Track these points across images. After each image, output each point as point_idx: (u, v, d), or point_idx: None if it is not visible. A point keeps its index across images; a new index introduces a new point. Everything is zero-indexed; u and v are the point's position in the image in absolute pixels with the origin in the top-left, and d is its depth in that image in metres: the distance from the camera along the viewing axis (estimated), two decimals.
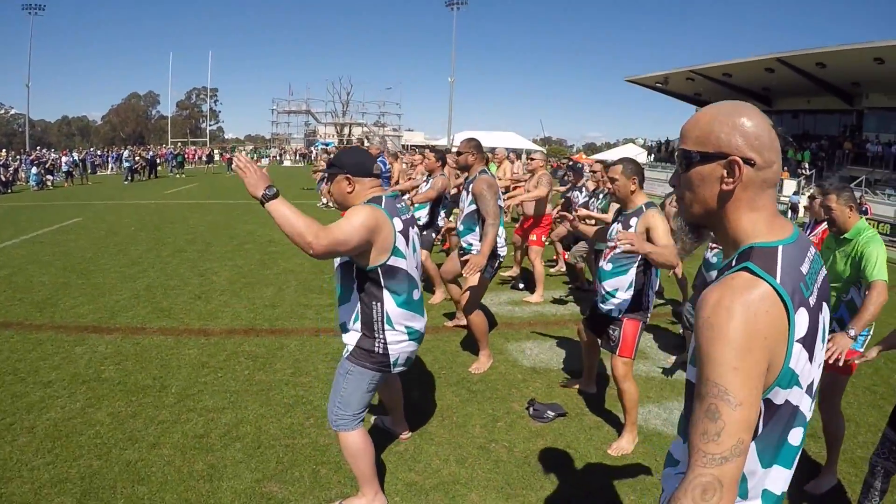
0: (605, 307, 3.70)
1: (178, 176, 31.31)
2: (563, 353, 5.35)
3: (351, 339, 2.70)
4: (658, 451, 3.59)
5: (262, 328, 5.64)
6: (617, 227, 3.66)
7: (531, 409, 4.02)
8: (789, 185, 25.44)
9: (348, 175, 2.63)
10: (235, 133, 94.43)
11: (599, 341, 4.00)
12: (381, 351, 2.65)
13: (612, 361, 3.65)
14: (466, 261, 4.45)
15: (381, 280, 2.62)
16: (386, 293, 2.63)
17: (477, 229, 4.68)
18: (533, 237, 7.40)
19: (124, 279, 7.31)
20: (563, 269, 8.57)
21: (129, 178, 27.60)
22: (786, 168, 27.67)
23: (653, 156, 41.66)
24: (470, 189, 4.59)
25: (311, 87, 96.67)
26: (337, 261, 2.71)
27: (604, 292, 3.68)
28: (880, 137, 28.26)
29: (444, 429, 3.81)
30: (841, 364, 2.76)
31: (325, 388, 4.13)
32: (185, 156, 37.29)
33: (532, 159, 7.67)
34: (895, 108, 28.16)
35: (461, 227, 4.83)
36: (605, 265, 3.67)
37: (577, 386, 4.51)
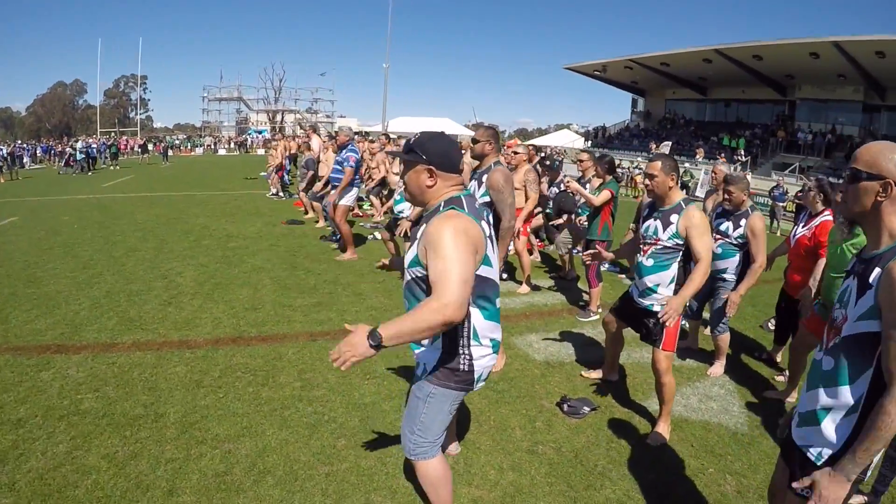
0: (645, 301, 3.68)
1: (112, 168, 29.46)
2: (570, 344, 5.33)
3: (429, 357, 2.37)
4: (690, 436, 3.73)
5: (250, 335, 5.12)
6: (655, 225, 3.63)
7: (565, 405, 3.98)
8: (726, 170, 26.13)
9: (432, 167, 2.27)
10: (164, 122, 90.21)
11: (630, 333, 4.11)
12: (466, 368, 2.35)
13: (654, 355, 3.62)
14: None
15: (481, 293, 2.32)
16: (474, 307, 2.32)
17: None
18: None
19: (79, 286, 6.53)
20: (539, 258, 8.86)
21: (88, 167, 26.21)
22: (723, 154, 28.62)
23: (590, 142, 42.27)
24: (483, 181, 4.28)
25: (242, 73, 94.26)
26: (408, 275, 2.32)
27: (644, 287, 3.66)
28: (811, 126, 29.60)
29: (485, 435, 3.62)
30: None
31: (344, 402, 3.96)
32: (119, 146, 35.11)
33: (581, 161, 7.50)
34: (826, 99, 29.59)
35: None
36: (646, 261, 3.64)
37: (598, 376, 4.53)
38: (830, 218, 4.42)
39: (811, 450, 1.86)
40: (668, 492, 3.13)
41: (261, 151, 50.83)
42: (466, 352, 2.34)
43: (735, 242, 4.64)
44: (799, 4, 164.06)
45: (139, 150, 40.22)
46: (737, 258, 4.66)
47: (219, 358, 4.59)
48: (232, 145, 52.57)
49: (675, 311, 3.40)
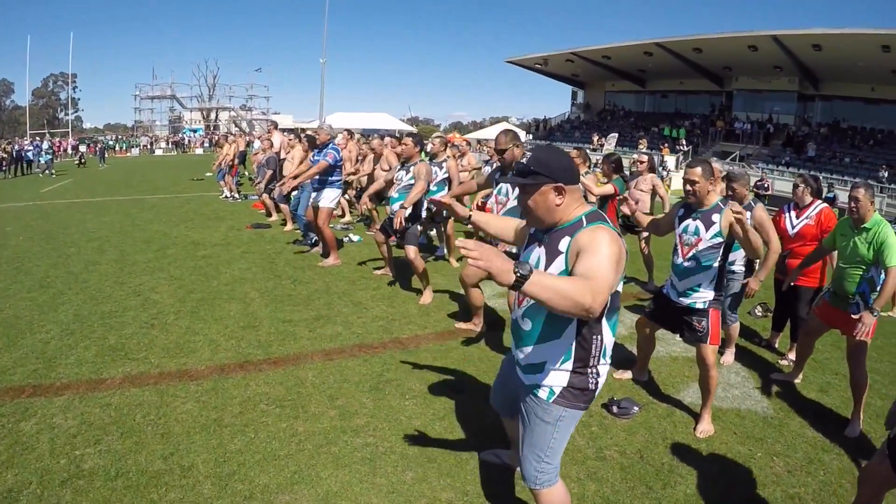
0: (686, 301, 3.77)
1: (47, 172, 27.25)
2: None
3: (557, 380, 2.26)
4: (729, 424, 3.90)
5: (258, 359, 4.60)
6: (695, 224, 3.74)
7: (614, 407, 3.97)
8: (670, 161, 26.80)
9: (560, 184, 2.15)
10: (94, 122, 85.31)
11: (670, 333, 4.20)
12: (593, 387, 2.29)
13: (701, 351, 3.72)
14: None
15: (610, 310, 2.25)
16: (605, 324, 2.26)
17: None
18: None
19: (41, 309, 5.75)
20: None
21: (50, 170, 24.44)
22: (665, 144, 29.33)
23: (531, 134, 42.58)
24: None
25: (175, 70, 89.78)
26: None
27: (686, 287, 3.76)
28: (749, 116, 30.69)
29: None
30: (870, 336, 3.68)
31: (393, 427, 3.66)
32: (55, 149, 32.73)
33: (641, 162, 7.40)
34: (761, 90, 30.73)
35: None
36: (687, 262, 3.74)
37: (629, 376, 4.56)
38: (826, 205, 4.93)
39: None
40: (734, 479, 3.27)
41: (199, 151, 48.90)
42: (595, 370, 2.27)
43: None
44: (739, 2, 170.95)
45: (72, 152, 37.88)
46: (742, 250, 4.64)
47: (231, 389, 4.07)
48: (168, 145, 50.29)
49: (757, 289, 4.06)
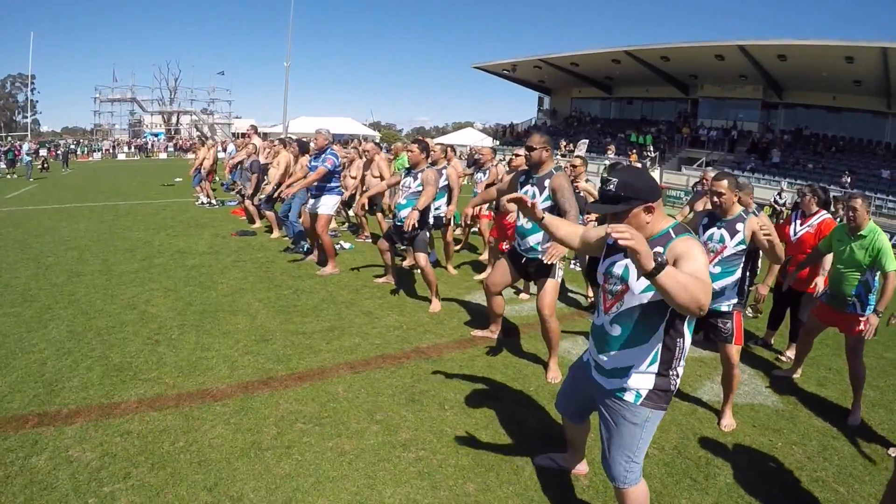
0: (712, 305, 3.74)
1: (9, 176, 26.02)
2: None
3: (643, 382, 2.38)
4: (747, 418, 4.16)
5: (280, 375, 4.37)
6: (720, 233, 3.93)
7: None
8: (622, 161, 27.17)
9: (650, 204, 2.29)
10: (51, 125, 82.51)
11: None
12: (674, 388, 2.43)
13: (726, 350, 3.92)
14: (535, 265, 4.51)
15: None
16: (686, 328, 2.37)
17: None
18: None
19: (28, 325, 5.32)
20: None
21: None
22: (634, 150, 29.79)
23: (498, 140, 42.81)
24: (546, 185, 4.40)
25: (136, 73, 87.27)
26: (636, 300, 2.32)
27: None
28: (713, 123, 31.42)
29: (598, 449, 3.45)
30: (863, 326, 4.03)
31: (440, 440, 3.60)
32: (16, 153, 31.28)
33: (575, 166, 7.31)
34: (725, 97, 31.52)
35: (528, 225, 4.49)
36: (713, 268, 3.83)
37: None
38: (829, 216, 5.26)
39: None
40: (764, 467, 3.54)
41: (163, 156, 47.62)
42: (675, 372, 2.40)
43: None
44: (705, 9, 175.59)
45: (33, 156, 36.37)
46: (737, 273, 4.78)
47: (260, 408, 3.84)
48: (131, 149, 48.84)
49: (765, 295, 4.25)
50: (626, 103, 38.86)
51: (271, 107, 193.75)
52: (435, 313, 6.03)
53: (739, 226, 3.88)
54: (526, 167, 6.70)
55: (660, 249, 2.10)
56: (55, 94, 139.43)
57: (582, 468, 3.31)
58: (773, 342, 5.81)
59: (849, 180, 22.50)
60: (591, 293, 6.88)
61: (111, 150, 47.61)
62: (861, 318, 4.14)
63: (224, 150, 17.15)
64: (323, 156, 7.13)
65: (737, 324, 3.92)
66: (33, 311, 5.74)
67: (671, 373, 2.38)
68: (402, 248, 6.85)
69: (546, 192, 4.37)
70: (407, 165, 9.50)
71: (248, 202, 10.93)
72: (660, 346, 2.34)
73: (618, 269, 2.39)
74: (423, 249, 6.03)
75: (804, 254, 5.14)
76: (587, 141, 31.12)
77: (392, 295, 6.62)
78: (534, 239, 4.49)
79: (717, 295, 3.88)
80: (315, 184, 7.17)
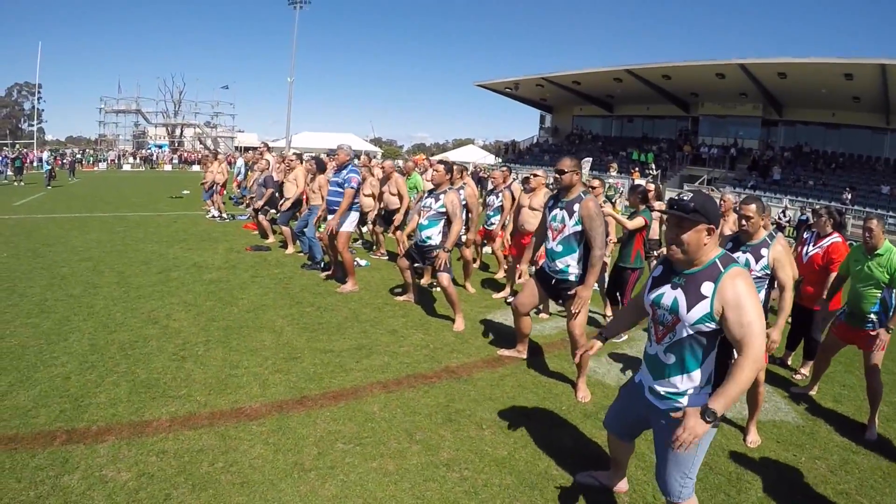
0: None
1: (16, 184, 25.90)
2: (621, 365, 5.54)
3: (697, 402, 2.43)
4: (770, 434, 4.25)
5: (313, 394, 4.32)
6: (746, 257, 3.96)
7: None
8: (641, 183, 27.29)
9: (713, 227, 2.42)
10: (56, 134, 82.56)
11: None
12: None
13: None
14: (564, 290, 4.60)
15: None
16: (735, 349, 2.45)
17: (577, 252, 4.47)
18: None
19: (48, 337, 5.21)
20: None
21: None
22: (636, 168, 29.88)
23: (500, 158, 43.00)
24: (575, 210, 4.44)
25: (141, 85, 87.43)
26: (687, 331, 2.43)
27: None
28: (714, 141, 31.63)
29: (641, 470, 3.57)
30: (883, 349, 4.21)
31: (481, 459, 3.61)
32: (24, 160, 31.27)
33: (593, 187, 7.17)
34: (726, 115, 31.76)
35: (558, 248, 4.52)
36: None
37: None
38: (840, 239, 5.38)
39: None
40: (791, 481, 3.65)
41: (167, 167, 47.68)
42: None
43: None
44: (706, 29, 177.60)
45: (40, 163, 36.40)
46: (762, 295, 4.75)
47: (298, 428, 3.79)
48: (137, 160, 48.90)
49: (778, 339, 3.99)
50: (627, 121, 39.16)
51: (274, 121, 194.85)
52: (460, 332, 6.00)
53: (764, 251, 3.91)
54: (536, 189, 6.87)
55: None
56: (60, 104, 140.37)
57: (623, 486, 3.33)
58: (790, 361, 5.91)
59: (849, 197, 22.62)
60: (608, 311, 6.87)
61: (116, 161, 47.67)
62: (874, 334, 4.29)
63: (230, 164, 17.14)
64: (345, 174, 7.12)
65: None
66: (51, 323, 5.66)
67: None
68: (419, 266, 6.85)
69: (576, 217, 4.42)
70: (417, 184, 9.59)
71: (261, 217, 10.91)
72: (712, 369, 2.47)
73: (667, 301, 2.49)
74: (445, 269, 6.01)
75: (813, 273, 5.38)
76: (591, 159, 31.22)
77: (416, 313, 6.59)
78: (563, 262, 4.55)
79: None
80: (335, 201, 7.17)
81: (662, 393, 2.55)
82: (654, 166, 31.15)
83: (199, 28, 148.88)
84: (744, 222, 3.95)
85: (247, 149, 46.02)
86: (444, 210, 6.01)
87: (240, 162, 17.22)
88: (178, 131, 62.22)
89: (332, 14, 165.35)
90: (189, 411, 4.00)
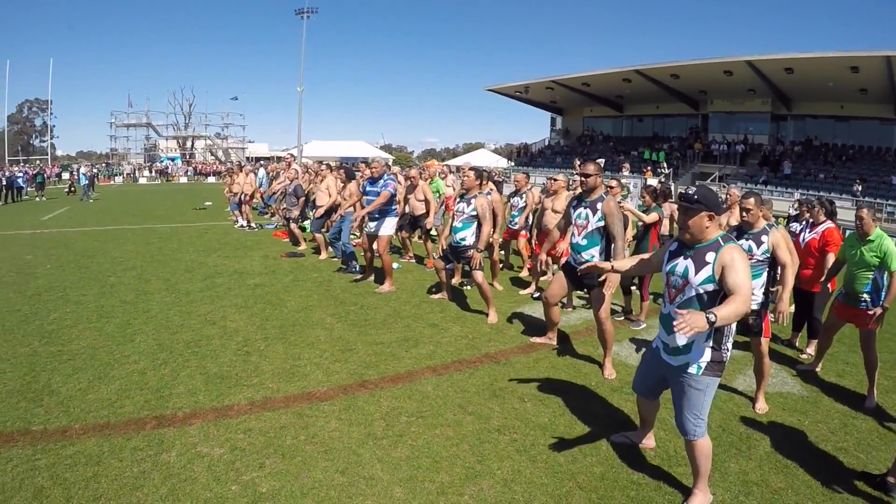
0: None
1: (38, 199, 26.66)
2: (643, 347, 5.90)
3: (702, 357, 3.08)
4: (778, 403, 4.73)
5: (373, 378, 4.87)
6: (748, 244, 4.57)
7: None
8: (653, 183, 27.62)
9: (713, 213, 3.03)
10: (66, 149, 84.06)
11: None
12: (726, 360, 3.12)
13: (757, 343, 4.59)
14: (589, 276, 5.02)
15: None
16: None
17: (600, 245, 5.01)
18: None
19: (113, 339, 5.69)
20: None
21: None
22: (648, 168, 30.24)
23: (513, 162, 43.38)
24: (598, 208, 4.98)
25: (151, 98, 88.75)
26: (697, 290, 3.04)
27: None
28: (724, 137, 31.87)
29: (664, 431, 4.08)
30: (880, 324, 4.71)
31: (531, 427, 4.08)
32: (45, 176, 32.14)
33: (611, 187, 7.70)
34: (735, 111, 32.00)
35: (583, 242, 5.05)
36: None
37: None
38: (832, 225, 5.97)
39: None
40: (796, 440, 4.13)
41: (183, 180, 48.52)
42: (726, 347, 3.09)
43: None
44: (712, 27, 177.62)
45: (58, 179, 37.25)
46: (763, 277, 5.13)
47: (365, 406, 4.31)
48: (152, 173, 49.81)
49: (785, 309, 4.55)
50: (638, 121, 39.44)
51: (283, 130, 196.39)
52: (493, 324, 6.52)
53: (764, 238, 4.55)
54: (558, 192, 7.41)
55: (712, 316, 2.72)
56: (70, 119, 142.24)
57: (650, 442, 3.89)
58: (797, 342, 6.40)
59: (860, 188, 22.84)
60: (622, 302, 7.34)
61: (132, 175, 48.58)
62: (871, 313, 4.79)
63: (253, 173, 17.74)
64: (382, 181, 7.66)
65: (764, 320, 4.56)
66: (114, 327, 6.15)
67: (723, 348, 3.08)
68: (451, 266, 7.36)
69: (598, 214, 4.97)
70: (439, 189, 10.13)
71: (293, 225, 11.46)
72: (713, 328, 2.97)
73: (679, 269, 3.13)
74: (479, 268, 6.51)
75: (812, 257, 6.00)
76: (603, 160, 31.59)
77: (452, 309, 7.10)
78: (588, 254, 5.06)
79: None
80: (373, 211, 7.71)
81: (673, 347, 3.16)
82: (665, 165, 31.46)
83: (208, 41, 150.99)
84: (744, 214, 4.59)
85: (266, 159, 46.82)
86: (475, 213, 6.51)
87: (261, 172, 17.83)
88: (189, 143, 62.90)
89: (339, 22, 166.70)
90: (264, 396, 4.51)
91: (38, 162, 44.70)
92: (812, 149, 29.20)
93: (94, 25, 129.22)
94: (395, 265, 9.61)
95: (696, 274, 3.04)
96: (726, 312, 2.77)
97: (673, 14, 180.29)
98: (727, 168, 30.02)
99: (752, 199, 4.56)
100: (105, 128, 65.12)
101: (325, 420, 4.10)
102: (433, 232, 10.31)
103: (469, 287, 8.10)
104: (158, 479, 3.33)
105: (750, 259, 4.29)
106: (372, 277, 8.46)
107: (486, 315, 6.68)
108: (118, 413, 4.16)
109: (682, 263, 3.12)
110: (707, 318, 2.69)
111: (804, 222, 6.51)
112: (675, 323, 2.73)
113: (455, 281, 8.37)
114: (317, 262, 10.09)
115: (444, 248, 7.09)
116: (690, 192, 3.05)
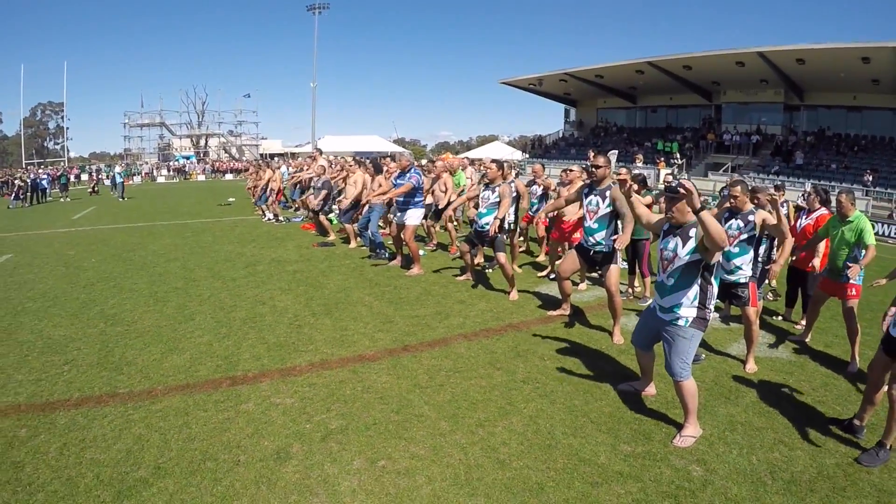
0: (732, 278, 5.24)
1: (62, 199, 27.67)
2: None
3: (689, 313, 3.82)
4: (767, 366, 5.33)
5: (414, 343, 5.66)
6: (737, 223, 5.22)
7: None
8: (663, 173, 28.07)
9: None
10: (78, 151, 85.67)
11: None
12: (708, 318, 3.87)
13: (746, 312, 5.24)
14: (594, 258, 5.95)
15: (714, 270, 3.80)
16: (714, 279, 3.83)
17: (609, 228, 5.75)
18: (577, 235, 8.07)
19: (174, 319, 6.41)
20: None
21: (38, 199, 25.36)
22: (661, 159, 30.73)
23: (527, 154, 43.88)
24: (607, 195, 5.68)
25: (164, 98, 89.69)
26: (681, 262, 3.79)
27: (732, 267, 5.21)
28: (737, 128, 32.19)
29: (663, 384, 4.70)
30: (854, 293, 5.39)
31: (551, 378, 4.88)
32: (69, 177, 33.17)
33: (571, 170, 8.62)
34: (748, 102, 32.27)
35: (595, 226, 5.78)
36: (733, 248, 5.18)
37: None
38: (826, 212, 6.64)
39: None
40: (780, 393, 4.78)
41: (201, 178, 49.61)
42: (708, 307, 3.83)
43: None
44: (723, 18, 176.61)
45: (82, 180, 38.26)
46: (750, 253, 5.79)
47: (409, 365, 5.08)
48: (170, 172, 50.96)
49: (777, 270, 5.72)
50: (651, 112, 39.75)
51: (296, 126, 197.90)
52: (515, 301, 7.27)
53: (751, 217, 5.18)
54: (572, 181, 8.13)
55: (695, 257, 3.69)
56: (81, 120, 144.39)
57: (651, 390, 4.60)
58: (790, 317, 7.05)
59: (871, 178, 23.17)
60: (628, 282, 8.06)
61: (150, 174, 49.69)
62: (851, 286, 5.43)
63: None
64: (408, 174, 8.42)
65: (752, 291, 5.22)
66: (172, 309, 6.85)
67: (706, 308, 3.81)
68: (475, 250, 8.10)
69: (608, 200, 5.74)
70: (464, 181, 10.88)
71: (321, 217, 12.21)
72: (698, 289, 3.80)
73: (670, 245, 3.87)
74: (501, 249, 7.26)
75: (806, 240, 6.60)
76: (616, 152, 32.03)
77: (476, 289, 7.85)
78: (599, 236, 5.82)
79: (736, 269, 5.21)
80: (403, 199, 8.46)
81: (665, 307, 3.89)
82: (678, 155, 31.88)
83: (220, 39, 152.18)
84: (732, 199, 5.26)
85: (280, 155, 47.68)
86: (498, 200, 7.23)
87: (284, 168, 18.65)
88: (202, 142, 63.67)
89: (351, 17, 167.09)
90: (321, 359, 5.28)
91: (62, 164, 45.87)
92: (824, 139, 29.44)
93: (105, 26, 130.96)
94: (420, 252, 10.37)
95: (683, 247, 3.78)
96: (710, 218, 3.43)
97: (684, 5, 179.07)
98: (740, 158, 30.37)
99: (738, 187, 5.23)
100: (117, 128, 66.89)
101: (376, 375, 4.86)
102: (454, 222, 11.07)
103: (491, 270, 8.84)
104: (242, 423, 4.04)
105: (738, 236, 5.19)
106: (397, 261, 9.26)
107: (508, 293, 7.42)
108: (194, 376, 4.87)
109: (673, 241, 3.86)
110: (701, 206, 3.43)
111: (803, 210, 7.25)
112: (675, 184, 3.68)
113: (477, 261, 9.10)
114: (347, 250, 10.86)
115: (469, 232, 7.81)
116: (674, 184, 3.77)
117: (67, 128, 66.70)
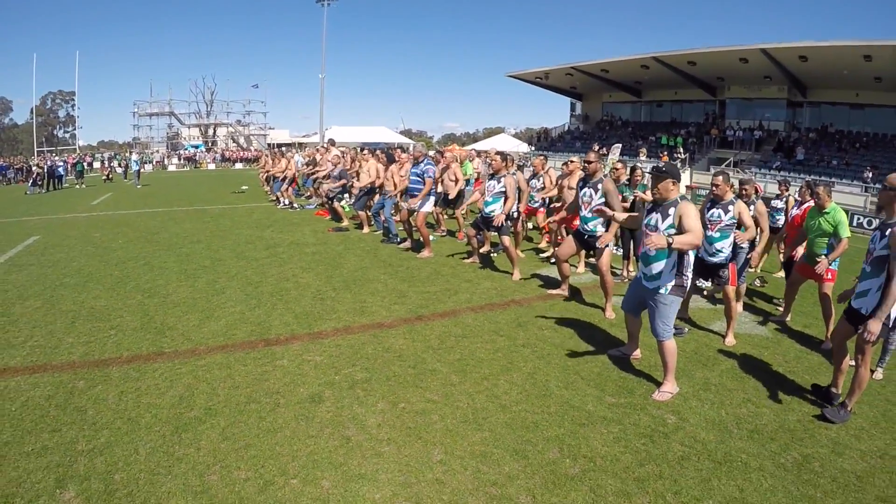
0: (714, 259, 5.79)
1: (77, 186, 28.33)
2: None
3: (668, 281, 4.36)
4: (746, 342, 5.86)
5: (426, 314, 6.31)
6: (718, 212, 5.75)
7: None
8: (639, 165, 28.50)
9: (675, 180, 4.40)
10: (87, 139, 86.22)
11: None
12: (686, 285, 4.41)
13: (725, 290, 5.78)
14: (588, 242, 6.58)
15: None
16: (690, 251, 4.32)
17: (600, 217, 6.23)
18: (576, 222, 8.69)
19: (205, 293, 7.02)
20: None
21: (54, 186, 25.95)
22: (665, 153, 31.24)
23: (534, 146, 44.37)
24: (599, 188, 6.28)
25: (172, 87, 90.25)
26: (664, 234, 4.24)
27: (715, 250, 5.75)
28: (741, 123, 32.62)
29: (648, 350, 5.27)
30: (829, 277, 5.88)
31: (550, 346, 5.40)
32: (85, 164, 33.84)
33: (572, 161, 9.15)
34: (752, 98, 32.68)
35: (589, 215, 6.39)
36: (715, 234, 5.72)
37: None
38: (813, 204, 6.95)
39: (862, 309, 4.05)
40: (756, 363, 5.30)
41: (212, 166, 50.26)
42: (686, 275, 4.36)
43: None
44: (729, 14, 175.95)
45: (89, 167, 38.86)
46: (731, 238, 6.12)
47: (423, 331, 5.74)
48: (181, 161, 51.60)
49: (756, 258, 6.41)
50: (656, 106, 40.15)
51: (304, 116, 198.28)
52: (517, 281, 7.91)
53: (731, 207, 5.71)
54: (573, 172, 8.74)
55: (670, 239, 4.05)
56: (89, 108, 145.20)
57: (637, 354, 5.18)
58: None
59: (870, 175, 23.63)
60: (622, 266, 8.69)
61: (162, 162, 50.37)
62: (827, 271, 5.85)
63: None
64: (423, 166, 9.06)
65: (731, 271, 5.78)
66: (203, 284, 7.49)
67: (683, 276, 4.35)
68: (481, 236, 8.72)
69: (600, 192, 6.34)
70: (471, 171, 11.53)
71: (336, 204, 12.83)
72: (675, 259, 4.32)
73: (652, 221, 4.47)
74: (506, 233, 7.88)
75: (795, 229, 7.12)
76: (620, 145, 32.56)
77: (482, 270, 8.50)
78: (593, 224, 6.46)
79: (718, 252, 5.74)
80: (414, 188, 9.11)
81: (648, 275, 4.45)
82: (682, 150, 32.36)
83: (229, 29, 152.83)
84: (714, 189, 5.74)
85: (288, 145, 48.25)
86: (503, 190, 7.86)
87: (297, 157, 19.28)
88: (211, 131, 63.99)
89: (359, 8, 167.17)
90: (344, 325, 5.94)
91: (78, 151, 46.54)
92: (827, 135, 29.86)
93: (115, 16, 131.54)
94: (430, 237, 11.01)
95: (662, 222, 4.36)
96: (681, 240, 4.06)
97: (689, 1, 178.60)
98: (742, 154, 30.83)
99: (720, 178, 5.75)
100: (125, 117, 67.46)
101: (394, 339, 5.52)
102: (462, 210, 11.71)
103: (496, 254, 9.48)
104: (279, 374, 4.70)
105: (719, 223, 5.71)
106: (408, 244, 9.92)
107: (512, 274, 8.04)
108: (232, 338, 5.50)
109: (654, 216, 4.44)
110: (667, 240, 3.98)
111: (798, 201, 7.85)
112: (644, 240, 4.10)
113: (483, 249, 9.73)
114: (361, 235, 11.51)
115: (476, 218, 8.44)
116: (661, 165, 4.38)
117: (78, 116, 67.24)
